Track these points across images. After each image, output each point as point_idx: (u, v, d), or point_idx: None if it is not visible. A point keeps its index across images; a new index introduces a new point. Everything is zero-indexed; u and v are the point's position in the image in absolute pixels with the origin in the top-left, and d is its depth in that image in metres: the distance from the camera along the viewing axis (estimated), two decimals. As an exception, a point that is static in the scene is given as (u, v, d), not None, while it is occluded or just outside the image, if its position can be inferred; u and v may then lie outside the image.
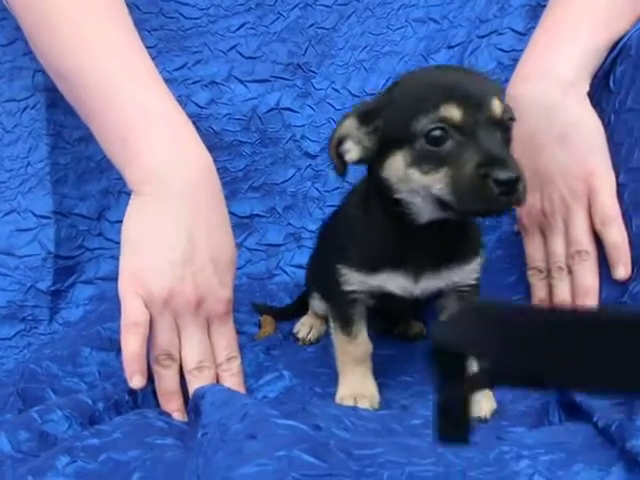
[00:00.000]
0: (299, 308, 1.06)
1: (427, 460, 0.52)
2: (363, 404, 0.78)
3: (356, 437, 0.59)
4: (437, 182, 0.65)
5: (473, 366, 0.32)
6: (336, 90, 1.18)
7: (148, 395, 0.82)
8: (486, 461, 0.52)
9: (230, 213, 1.07)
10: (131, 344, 0.77)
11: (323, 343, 0.98)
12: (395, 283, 0.76)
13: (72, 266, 1.07)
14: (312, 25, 1.17)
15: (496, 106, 0.66)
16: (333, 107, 1.18)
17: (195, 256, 0.81)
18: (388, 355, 0.92)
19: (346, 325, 0.82)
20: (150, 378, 0.81)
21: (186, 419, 0.78)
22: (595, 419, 0.53)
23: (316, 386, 0.87)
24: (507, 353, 0.29)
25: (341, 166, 0.73)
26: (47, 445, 0.68)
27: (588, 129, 0.89)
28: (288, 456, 0.46)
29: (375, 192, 0.75)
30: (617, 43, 0.92)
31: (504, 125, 0.67)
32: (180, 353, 0.82)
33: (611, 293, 0.83)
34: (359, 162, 0.73)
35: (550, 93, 0.89)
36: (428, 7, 1.17)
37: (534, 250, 0.95)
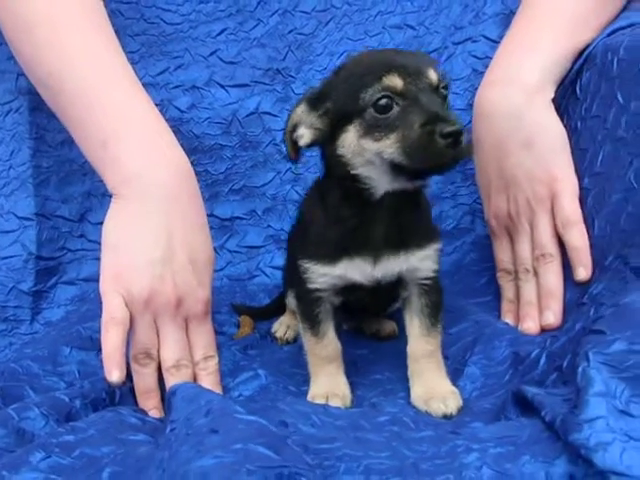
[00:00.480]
0: (277, 308, 1.08)
1: (383, 454, 0.54)
2: (335, 402, 0.80)
3: (321, 433, 0.61)
4: (388, 147, 0.70)
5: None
6: (315, 95, 1.20)
7: (126, 394, 0.85)
8: (438, 454, 0.54)
9: (211, 215, 1.10)
10: (111, 340, 0.79)
11: (299, 343, 1.00)
12: (356, 269, 0.79)
13: (54, 267, 1.09)
14: (291, 31, 1.19)
15: (432, 74, 0.71)
16: (312, 112, 1.20)
17: (174, 256, 0.84)
18: (360, 354, 0.94)
19: (313, 325, 0.84)
20: (129, 376, 0.83)
21: (163, 416, 0.81)
22: (543, 414, 0.56)
23: (290, 385, 0.89)
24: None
25: (293, 152, 0.78)
26: (24, 441, 0.70)
27: (552, 135, 0.92)
28: (244, 449, 0.48)
29: (331, 175, 0.78)
30: (583, 51, 0.95)
31: (440, 92, 0.73)
32: (158, 352, 0.84)
33: (573, 294, 0.86)
34: (312, 145, 0.77)
35: (515, 99, 0.92)
36: (405, 14, 1.20)
37: (502, 252, 0.98)
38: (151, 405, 0.82)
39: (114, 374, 0.78)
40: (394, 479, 0.50)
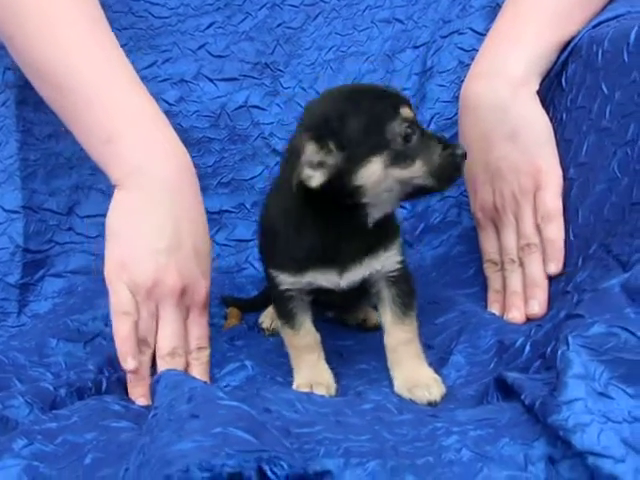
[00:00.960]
0: (265, 300, 1.08)
1: (363, 437, 0.54)
2: (320, 391, 0.80)
3: (303, 418, 0.61)
4: (416, 172, 0.75)
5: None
6: (303, 89, 1.21)
7: (112, 384, 0.85)
8: (418, 437, 0.55)
9: (200, 208, 1.10)
10: (123, 330, 0.81)
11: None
12: (323, 278, 0.81)
13: (41, 260, 1.09)
14: (280, 25, 1.19)
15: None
16: (301, 106, 1.20)
17: (180, 246, 0.85)
18: (345, 345, 0.94)
19: (289, 320, 0.85)
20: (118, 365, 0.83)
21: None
22: (523, 397, 0.56)
23: (277, 375, 0.89)
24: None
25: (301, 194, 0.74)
26: (7, 429, 0.70)
27: (537, 127, 0.93)
28: (224, 433, 0.48)
29: (323, 201, 0.75)
30: (569, 44, 0.95)
31: None
32: (155, 338, 0.85)
33: (559, 284, 0.86)
34: (324, 183, 0.73)
35: (500, 91, 0.93)
36: (393, 8, 1.20)
37: (488, 244, 0.99)
38: (139, 393, 0.83)
39: (129, 362, 0.80)
40: (374, 461, 0.51)
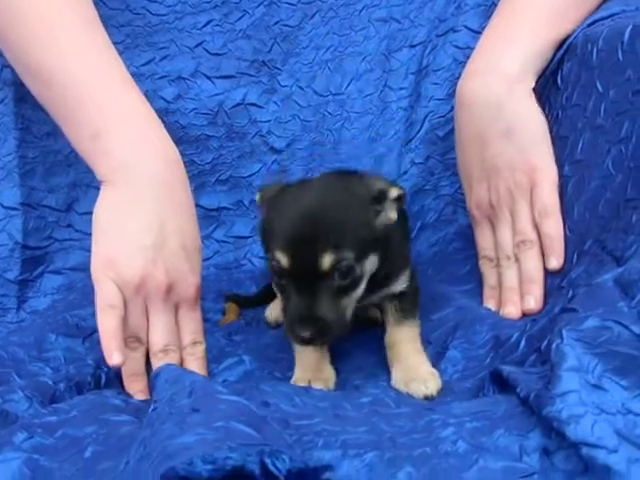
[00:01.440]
0: (265, 297, 1.09)
1: (361, 429, 0.55)
2: (318, 386, 0.81)
3: (301, 411, 0.62)
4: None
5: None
6: (301, 88, 1.21)
7: (112, 378, 0.85)
8: (415, 429, 0.55)
9: (198, 205, 1.11)
10: (108, 324, 0.79)
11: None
12: None
13: (41, 256, 1.10)
14: (277, 23, 1.20)
15: (323, 261, 0.72)
16: (298, 104, 1.21)
17: (166, 243, 0.85)
18: (344, 344, 0.94)
19: None
20: None
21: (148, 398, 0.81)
22: (518, 390, 0.57)
23: (275, 371, 0.90)
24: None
25: None
26: (7, 423, 0.71)
27: (532, 124, 0.93)
28: (226, 427, 0.49)
29: None
30: (564, 42, 0.96)
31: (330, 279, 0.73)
32: (147, 335, 0.85)
33: (554, 280, 0.87)
34: None
35: (496, 89, 0.94)
36: (390, 7, 1.20)
37: (484, 240, 1.00)
38: (137, 388, 0.83)
39: (114, 357, 0.78)
40: (371, 452, 0.51)
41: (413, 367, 0.80)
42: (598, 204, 0.82)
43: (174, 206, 0.87)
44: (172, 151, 0.90)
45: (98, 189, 1.11)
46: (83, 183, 1.13)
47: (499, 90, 0.94)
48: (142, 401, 0.78)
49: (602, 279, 0.61)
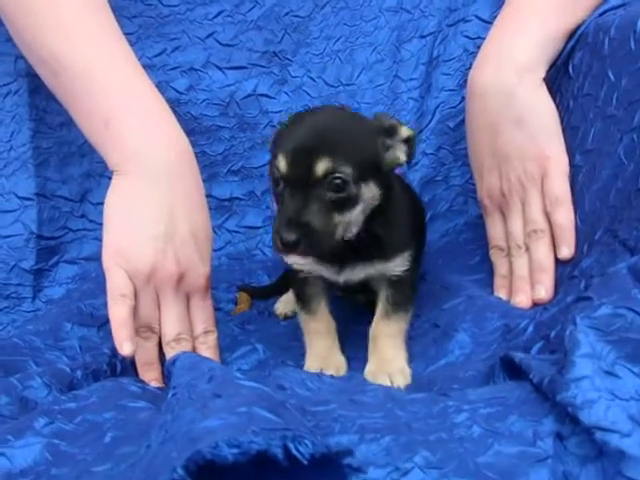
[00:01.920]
0: (277, 288, 1.10)
1: (377, 414, 0.56)
2: (329, 372, 0.82)
3: (316, 396, 0.63)
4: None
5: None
6: (312, 79, 1.22)
7: (127, 366, 0.87)
8: (430, 414, 0.56)
9: (210, 196, 1.12)
10: (118, 313, 0.80)
11: (297, 318, 1.02)
12: (323, 270, 0.85)
13: (55, 246, 1.11)
14: (287, 13, 1.20)
15: (318, 166, 0.73)
16: (309, 95, 1.22)
17: (176, 232, 0.85)
18: (356, 330, 0.95)
19: (305, 303, 0.88)
20: None
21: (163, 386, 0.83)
22: (531, 376, 0.57)
23: (288, 359, 0.91)
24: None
25: None
26: (27, 410, 0.72)
27: (543, 113, 0.94)
28: (248, 412, 0.49)
29: None
30: (575, 31, 0.96)
31: (325, 185, 0.74)
32: (159, 325, 0.86)
33: (565, 269, 0.88)
34: None
35: (507, 78, 0.94)
36: (400, -3, 1.21)
37: (495, 229, 1.00)
38: (152, 377, 0.84)
39: (125, 346, 0.79)
40: (388, 437, 0.52)
41: (386, 361, 0.81)
42: (609, 193, 0.82)
43: (185, 196, 0.88)
44: (183, 141, 0.91)
45: (111, 179, 1.13)
46: (96, 173, 1.14)
47: (510, 79, 0.94)
48: (159, 388, 0.79)
49: (616, 267, 0.61)
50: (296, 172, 0.73)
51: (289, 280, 0.91)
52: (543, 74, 0.96)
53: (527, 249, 0.94)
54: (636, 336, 0.55)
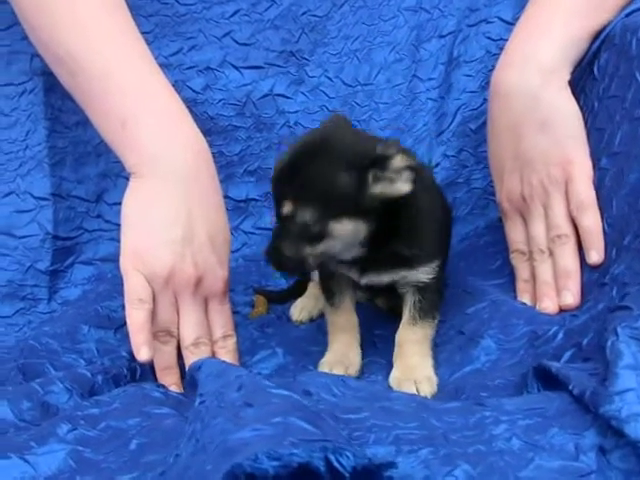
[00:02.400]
0: (293, 292, 1.09)
1: (411, 424, 0.55)
2: (337, 371, 0.82)
3: (345, 403, 0.62)
4: None
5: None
6: (329, 78, 1.20)
7: (146, 371, 0.86)
8: (467, 425, 0.55)
9: (226, 197, 1.11)
10: (136, 318, 0.80)
11: (317, 322, 1.01)
12: (346, 270, 0.85)
13: (71, 247, 1.10)
14: (305, 13, 1.19)
15: (284, 207, 0.77)
16: (326, 95, 1.20)
17: (194, 235, 0.84)
18: (378, 334, 0.94)
19: (330, 296, 0.88)
20: None
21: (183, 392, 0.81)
22: (571, 387, 0.56)
23: (309, 364, 0.90)
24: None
25: None
26: (49, 415, 0.71)
27: (568, 116, 0.92)
28: (284, 422, 0.48)
29: None
30: (601, 32, 0.95)
31: (290, 222, 0.77)
32: (178, 329, 0.85)
33: (592, 275, 0.86)
34: None
35: (531, 80, 0.92)
36: (419, -4, 1.19)
37: (515, 233, 0.98)
38: (171, 381, 0.83)
39: (142, 351, 0.79)
40: (426, 449, 0.51)
41: (412, 368, 0.80)
42: (638, 198, 0.80)
43: (202, 198, 0.87)
44: (200, 141, 0.90)
45: (127, 179, 1.11)
46: (112, 173, 1.13)
47: (535, 81, 0.93)
48: (182, 394, 0.78)
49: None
50: (275, 201, 0.78)
51: (318, 273, 0.91)
52: (568, 76, 0.94)
53: (550, 254, 0.93)
54: (679, 347, 0.53)
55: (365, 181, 0.74)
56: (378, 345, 0.93)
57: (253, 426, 0.47)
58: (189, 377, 0.76)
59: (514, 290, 0.97)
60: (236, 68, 1.18)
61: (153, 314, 0.82)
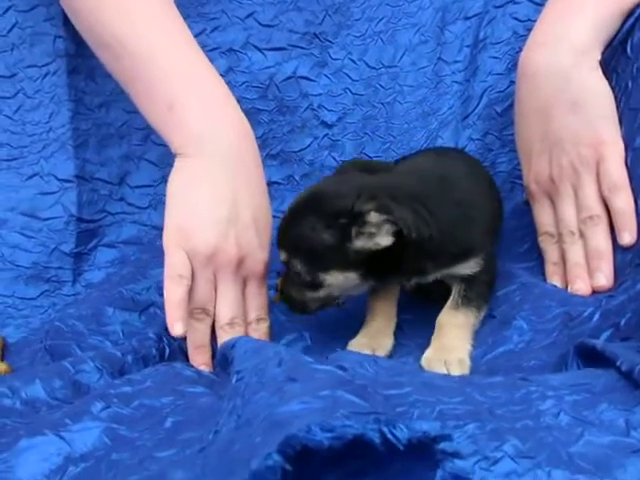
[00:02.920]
0: None
1: (455, 399, 0.54)
2: (365, 352, 0.81)
3: (383, 378, 0.61)
4: None
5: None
6: (353, 61, 1.19)
7: (175, 351, 0.85)
8: (512, 400, 0.54)
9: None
10: (174, 293, 0.79)
11: (345, 306, 0.99)
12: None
13: (94, 229, 1.09)
14: (329, -6, 1.17)
15: (281, 254, 0.84)
16: (350, 77, 1.19)
17: (239, 216, 0.84)
18: (405, 319, 0.93)
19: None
20: None
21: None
22: (618, 363, 0.55)
23: (337, 347, 0.88)
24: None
25: None
26: (80, 394, 0.71)
27: (599, 97, 0.91)
28: (332, 396, 0.47)
29: None
30: (634, 11, 0.93)
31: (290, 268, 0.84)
32: (214, 308, 0.85)
33: (626, 256, 0.85)
34: None
35: (562, 60, 0.91)
36: (445, -23, 1.17)
37: (543, 216, 0.97)
38: (202, 360, 0.83)
39: (177, 327, 0.78)
40: (472, 424, 0.50)
41: (446, 350, 0.79)
42: (673, 177, 0.79)
43: (247, 180, 0.87)
44: (245, 125, 0.90)
45: (150, 162, 1.11)
46: (135, 156, 1.12)
47: (566, 61, 0.92)
48: (214, 374, 0.77)
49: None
50: None
51: None
52: (599, 56, 0.93)
53: (581, 236, 0.92)
54: None
55: (348, 236, 0.77)
56: (405, 330, 0.92)
57: (301, 399, 0.46)
58: (220, 356, 0.76)
59: (543, 273, 0.96)
60: (259, 50, 1.17)
61: (190, 291, 0.82)
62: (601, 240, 0.89)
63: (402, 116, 1.18)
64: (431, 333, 0.88)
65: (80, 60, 1.06)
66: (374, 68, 1.18)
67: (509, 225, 1.11)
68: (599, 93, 0.92)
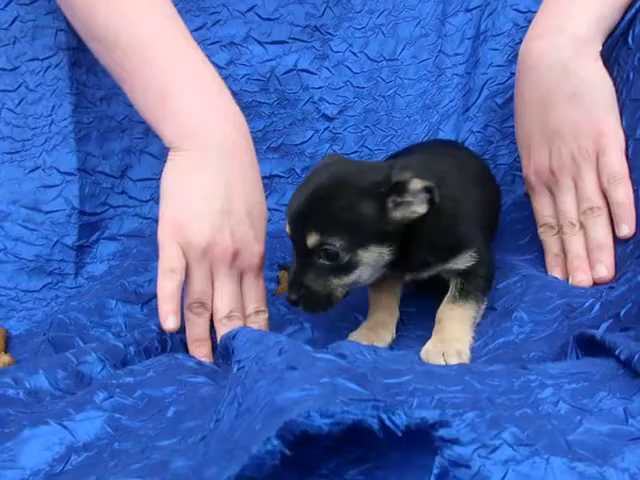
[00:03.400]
0: None
1: (455, 387, 0.54)
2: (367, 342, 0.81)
3: (383, 366, 0.61)
4: None
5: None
6: (354, 53, 1.19)
7: (176, 344, 0.85)
8: (511, 389, 0.54)
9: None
10: (166, 288, 0.79)
11: (346, 299, 1.00)
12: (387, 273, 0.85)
13: (96, 222, 1.09)
14: (329, -13, 1.17)
15: (309, 239, 0.78)
16: (351, 70, 1.19)
17: (233, 208, 0.84)
18: (407, 312, 0.93)
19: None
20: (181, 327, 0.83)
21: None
22: (617, 352, 0.55)
23: (337, 338, 0.89)
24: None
25: None
26: (83, 384, 0.71)
27: (599, 88, 0.91)
28: (332, 383, 0.47)
29: None
30: (635, 2, 0.93)
31: (315, 255, 0.79)
32: (212, 302, 0.85)
33: (626, 247, 0.85)
34: None
35: (563, 51, 0.91)
36: (445, -31, 1.17)
37: (543, 208, 0.97)
38: (202, 353, 0.83)
39: (169, 320, 0.78)
40: (471, 412, 0.50)
41: (445, 342, 0.79)
42: (675, 169, 0.79)
43: (241, 172, 0.86)
44: (239, 117, 0.90)
45: (151, 155, 1.11)
46: (137, 149, 1.12)
47: (566, 52, 0.91)
48: (216, 364, 0.78)
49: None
50: (295, 239, 0.80)
51: None
52: (600, 47, 0.93)
53: (581, 227, 0.92)
54: None
55: (385, 208, 0.77)
56: (406, 322, 0.92)
57: (300, 386, 0.46)
58: (221, 347, 0.76)
59: (544, 265, 0.96)
60: (260, 43, 1.17)
61: (188, 285, 0.82)
62: (601, 232, 0.89)
63: (403, 109, 1.18)
64: (432, 326, 0.89)
65: (82, 53, 1.06)
66: (375, 61, 1.18)
67: (510, 217, 1.11)
68: (599, 84, 0.92)
